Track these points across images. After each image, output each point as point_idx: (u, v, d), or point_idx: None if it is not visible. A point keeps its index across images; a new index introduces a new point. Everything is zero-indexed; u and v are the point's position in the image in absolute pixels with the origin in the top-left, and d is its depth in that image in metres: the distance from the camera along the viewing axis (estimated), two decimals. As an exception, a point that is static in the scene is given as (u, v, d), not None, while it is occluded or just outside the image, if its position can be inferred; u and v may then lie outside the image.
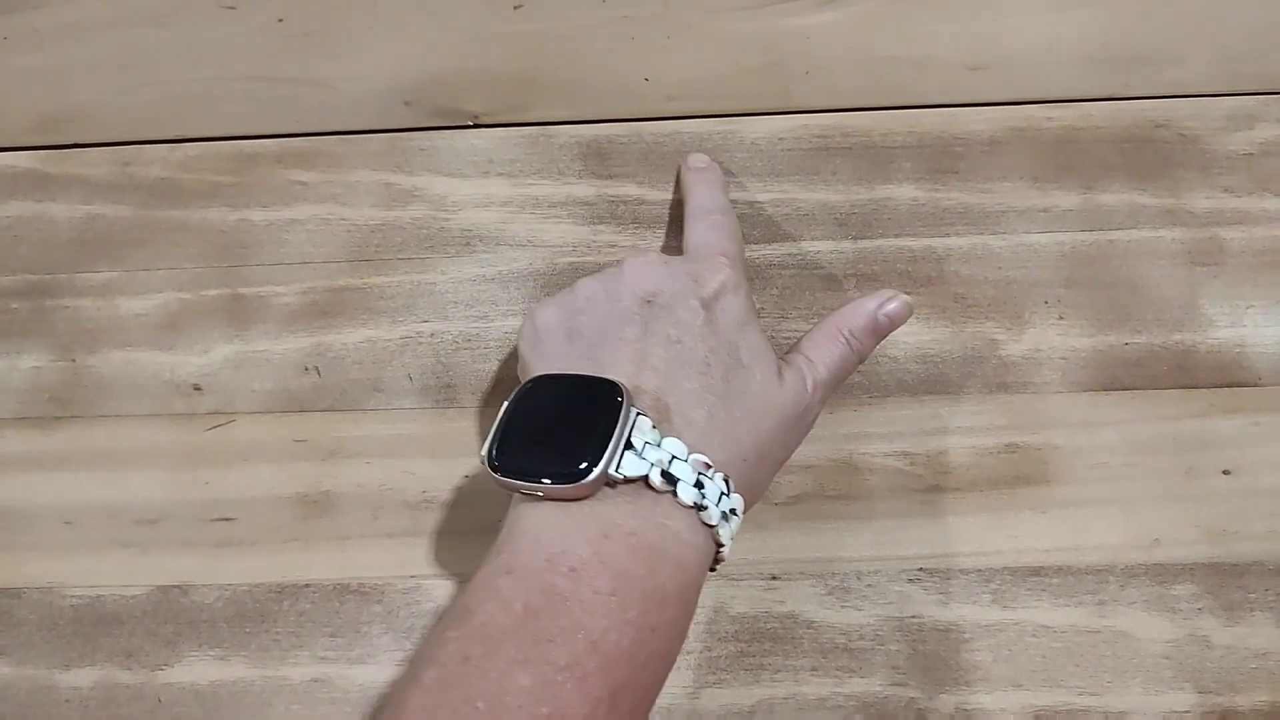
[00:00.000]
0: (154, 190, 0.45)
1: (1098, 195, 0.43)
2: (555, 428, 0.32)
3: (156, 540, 0.42)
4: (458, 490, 0.41)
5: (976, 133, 0.44)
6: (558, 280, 0.43)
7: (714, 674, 0.39)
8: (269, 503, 0.42)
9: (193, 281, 0.44)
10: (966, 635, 0.39)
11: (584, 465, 0.30)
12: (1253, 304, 0.41)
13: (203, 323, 0.44)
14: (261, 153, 0.45)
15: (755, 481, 0.34)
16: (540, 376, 0.34)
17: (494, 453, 0.32)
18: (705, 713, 0.39)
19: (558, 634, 0.28)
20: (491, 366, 0.42)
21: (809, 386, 0.35)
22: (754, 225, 0.43)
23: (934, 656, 0.39)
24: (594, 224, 0.44)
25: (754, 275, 0.43)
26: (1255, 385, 0.41)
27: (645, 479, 0.31)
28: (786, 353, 0.37)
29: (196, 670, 0.40)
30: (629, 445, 0.31)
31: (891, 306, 0.37)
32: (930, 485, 0.40)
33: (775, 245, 0.43)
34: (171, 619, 0.41)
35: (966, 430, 0.41)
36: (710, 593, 0.40)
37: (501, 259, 0.43)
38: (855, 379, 0.41)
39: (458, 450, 0.42)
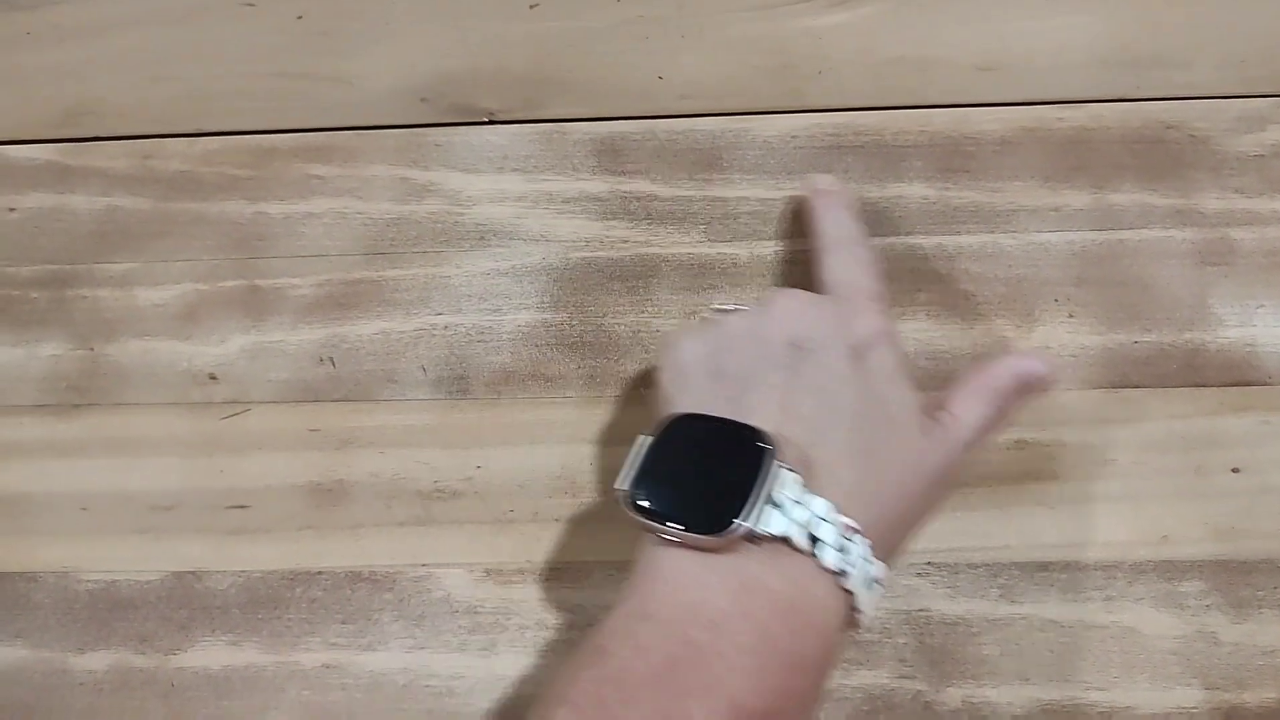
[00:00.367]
0: (173, 183, 0.46)
1: (1108, 195, 0.43)
2: (698, 472, 0.31)
3: (171, 526, 0.42)
4: (469, 480, 0.42)
5: (988, 132, 0.44)
6: (571, 275, 0.43)
7: (722, 665, 0.39)
8: (283, 491, 0.42)
9: (210, 273, 0.45)
10: (974, 629, 0.39)
11: (728, 518, 0.29)
12: (1263, 304, 0.41)
13: (219, 313, 0.44)
14: (279, 147, 0.46)
15: (895, 547, 0.33)
16: (684, 415, 0.33)
17: (632, 489, 0.31)
18: (713, 704, 0.39)
19: (698, 690, 0.27)
20: (504, 359, 0.43)
21: (956, 447, 0.34)
22: (766, 222, 0.44)
23: (941, 650, 0.39)
24: (607, 219, 0.44)
25: (764, 272, 0.43)
26: (1265, 384, 0.41)
27: (787, 538, 0.29)
28: (931, 406, 0.35)
29: (209, 655, 0.41)
30: (773, 501, 0.30)
31: (1038, 367, 0.36)
32: (939, 480, 0.40)
33: (787, 242, 0.43)
34: (185, 604, 0.41)
35: (975, 426, 0.41)
36: (719, 584, 0.40)
37: (515, 253, 0.44)
38: (865, 374, 0.42)
39: (470, 441, 0.42)
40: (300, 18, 0.47)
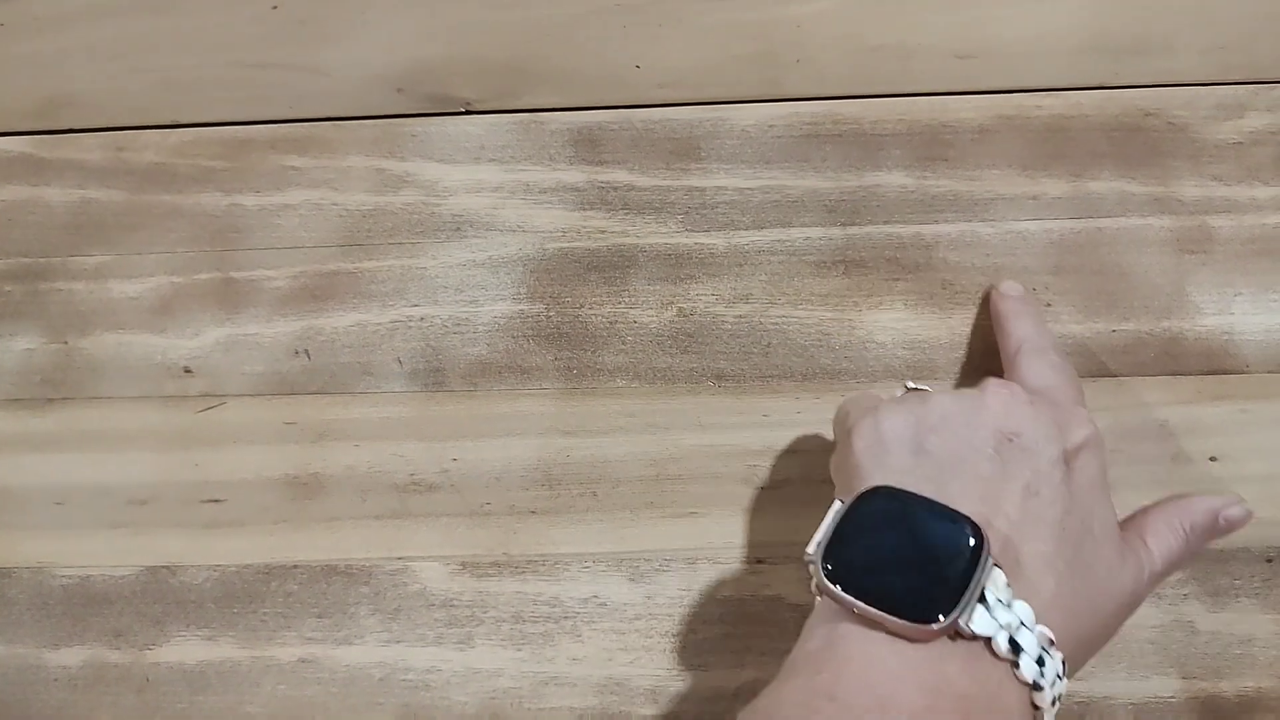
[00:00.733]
0: (147, 175, 0.45)
1: (1087, 183, 0.43)
2: (901, 553, 0.29)
3: (146, 521, 0.42)
4: (445, 473, 0.41)
5: (966, 120, 0.44)
6: (547, 266, 0.43)
7: (699, 656, 0.39)
8: (258, 484, 0.42)
9: (185, 265, 0.44)
10: (951, 620, 0.39)
11: (937, 610, 0.28)
12: (1241, 292, 0.41)
13: (194, 306, 0.44)
14: (255, 138, 0.46)
15: (1078, 667, 0.31)
16: (886, 488, 0.31)
17: (827, 560, 0.30)
18: (690, 695, 0.39)
19: None
20: (480, 350, 0.43)
21: (1145, 576, 0.33)
22: (744, 212, 0.43)
23: (919, 641, 0.39)
24: (584, 210, 0.44)
25: (741, 262, 0.43)
26: (1243, 372, 0.41)
27: (989, 641, 0.28)
28: (1123, 530, 0.33)
29: (184, 650, 0.40)
30: (982, 598, 0.28)
31: (1234, 512, 0.34)
32: (916, 470, 0.40)
33: (764, 231, 0.43)
34: (160, 599, 0.41)
35: (953, 416, 0.41)
36: (695, 576, 0.40)
37: (491, 244, 0.44)
38: (842, 365, 0.41)
39: (446, 434, 0.42)
40: (275, 8, 0.47)
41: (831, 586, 0.29)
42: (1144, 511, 0.35)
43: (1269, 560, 0.39)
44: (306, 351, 0.43)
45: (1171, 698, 0.38)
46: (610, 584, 0.40)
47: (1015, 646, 0.28)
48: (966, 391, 0.34)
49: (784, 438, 0.41)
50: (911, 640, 0.28)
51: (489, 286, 0.43)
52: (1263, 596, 0.39)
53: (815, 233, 0.43)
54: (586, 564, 0.40)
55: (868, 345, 0.42)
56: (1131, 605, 0.33)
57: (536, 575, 0.40)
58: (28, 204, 0.46)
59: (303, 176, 0.45)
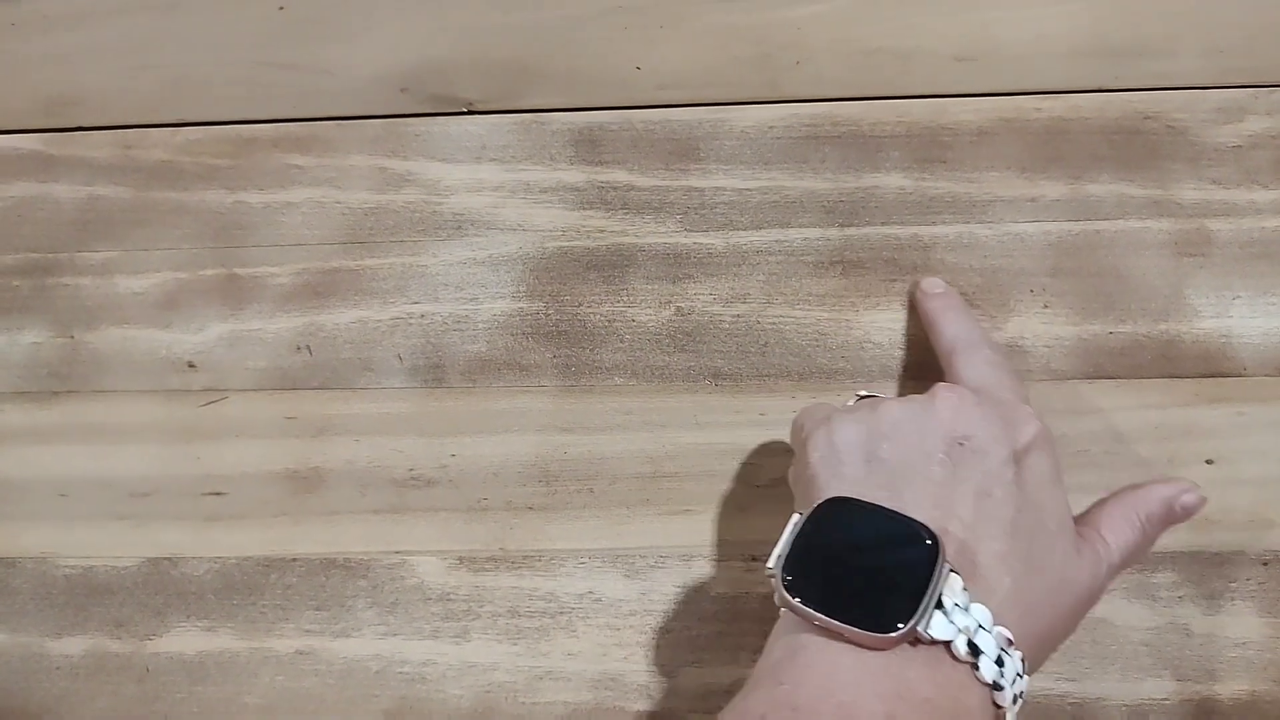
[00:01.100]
0: (154, 172, 0.46)
1: (1085, 185, 0.43)
2: (859, 563, 0.30)
3: (149, 513, 0.42)
4: (443, 469, 0.42)
5: (965, 123, 0.44)
6: (547, 264, 0.44)
7: (693, 653, 0.39)
8: (259, 478, 0.42)
9: (190, 261, 0.45)
10: (945, 619, 0.39)
11: (893, 618, 0.28)
12: (1239, 295, 0.41)
13: (198, 302, 0.44)
14: (260, 137, 0.46)
15: (1038, 664, 0.32)
16: (842, 499, 0.31)
17: (786, 569, 0.30)
18: (684, 691, 0.39)
19: None
20: (480, 348, 0.43)
21: (1104, 569, 0.33)
22: (742, 212, 0.44)
23: (912, 640, 0.39)
24: (583, 209, 0.44)
25: (739, 262, 0.43)
26: (1240, 375, 0.41)
27: (948, 645, 0.28)
28: (1079, 524, 0.34)
29: (184, 640, 0.41)
30: (939, 604, 0.28)
31: (1188, 499, 0.34)
32: (912, 470, 0.40)
33: (762, 232, 0.43)
34: (161, 590, 0.41)
35: (949, 416, 0.41)
36: (690, 573, 0.40)
37: (492, 242, 0.44)
38: (839, 365, 0.42)
39: (445, 429, 0.42)
40: (282, 8, 0.48)
41: (791, 599, 0.29)
42: (1099, 504, 0.35)
43: (1265, 564, 0.39)
44: (308, 347, 0.44)
45: (1165, 700, 0.38)
46: (606, 580, 0.40)
47: (974, 649, 0.28)
48: (916, 398, 0.34)
49: (780, 437, 0.41)
50: (872, 649, 0.28)
51: (489, 284, 0.44)
52: (1258, 599, 0.38)
53: (813, 233, 0.43)
54: (582, 560, 0.40)
55: (865, 345, 0.42)
56: (1090, 599, 0.33)
57: (532, 570, 0.40)
58: (37, 200, 0.46)
59: (306, 175, 0.45)
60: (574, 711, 0.39)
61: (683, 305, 0.43)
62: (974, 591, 0.29)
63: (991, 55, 0.44)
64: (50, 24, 0.48)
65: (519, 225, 0.44)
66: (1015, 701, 0.29)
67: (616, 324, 0.43)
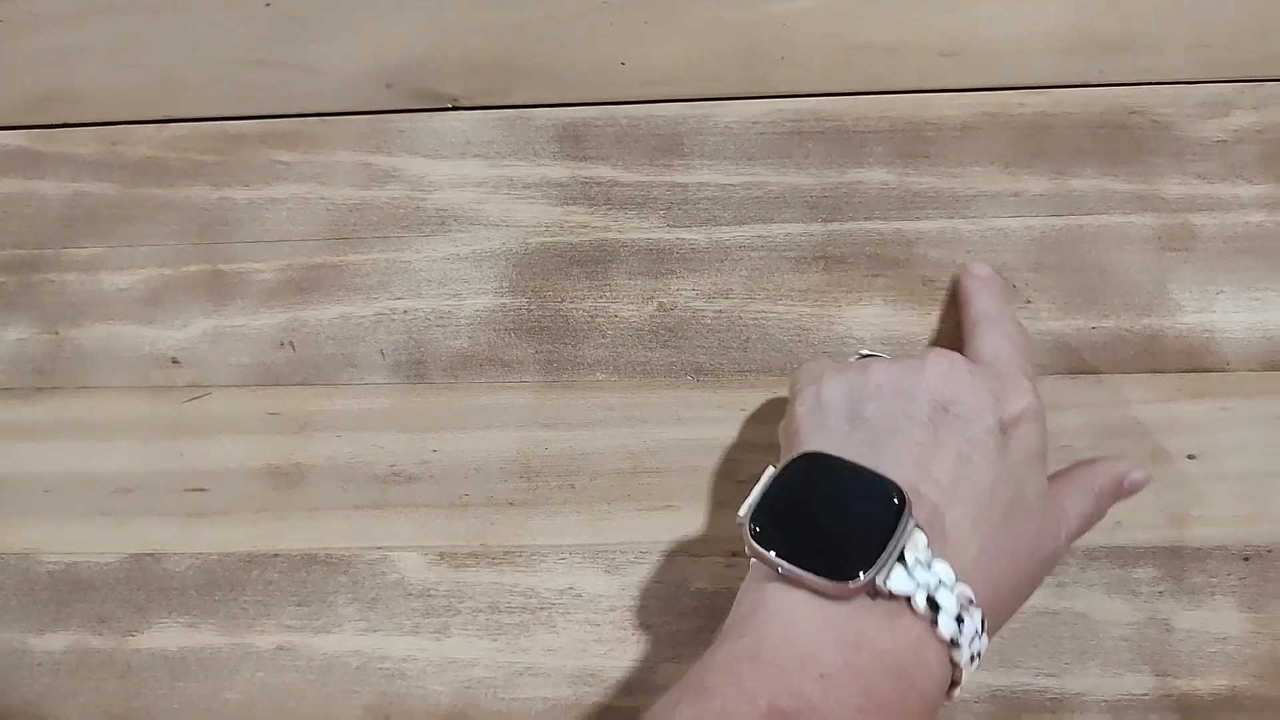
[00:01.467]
0: (140, 169, 0.46)
1: (1069, 180, 0.43)
2: (827, 516, 0.30)
3: (132, 509, 0.42)
4: (425, 464, 0.42)
5: (949, 118, 0.44)
6: (530, 260, 0.44)
7: (673, 649, 0.39)
8: (242, 474, 0.42)
9: (174, 257, 0.45)
10: (926, 615, 0.39)
11: (855, 568, 0.29)
12: (1223, 289, 0.41)
13: (183, 298, 0.44)
14: (246, 133, 0.46)
15: (998, 626, 0.33)
16: (818, 454, 0.32)
17: (753, 520, 0.31)
18: (664, 687, 0.39)
19: None
20: (462, 344, 0.43)
21: (1063, 537, 0.34)
22: (725, 208, 0.44)
23: (892, 635, 0.39)
24: (567, 205, 0.44)
25: (723, 257, 0.43)
26: (1223, 370, 0.40)
27: (908, 599, 0.29)
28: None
29: (166, 636, 0.41)
30: (901, 559, 0.29)
31: (1136, 475, 0.36)
32: (893, 466, 0.40)
33: (745, 227, 0.43)
34: (144, 586, 0.42)
35: (931, 412, 0.41)
36: (671, 568, 0.40)
37: (475, 238, 0.44)
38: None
39: (427, 425, 0.42)
40: (268, 4, 0.48)
41: (757, 546, 0.30)
42: (1055, 475, 0.36)
43: (1246, 559, 0.39)
44: (291, 343, 0.44)
45: (1145, 695, 0.38)
46: (586, 575, 0.40)
47: (934, 605, 0.29)
48: (908, 360, 0.35)
49: (761, 432, 0.41)
50: (833, 599, 0.29)
51: (472, 280, 0.44)
52: (1239, 595, 0.38)
53: (796, 229, 0.43)
54: (563, 555, 0.40)
55: (846, 341, 0.42)
56: (1050, 565, 0.34)
57: (513, 566, 0.40)
58: (23, 197, 0.46)
59: (291, 171, 0.45)
60: (554, 707, 0.39)
61: (665, 301, 0.43)
62: (941, 550, 0.30)
63: (976, 50, 0.44)
64: (38, 21, 0.48)
65: (502, 221, 0.44)
66: (972, 661, 0.30)
67: (599, 319, 0.43)
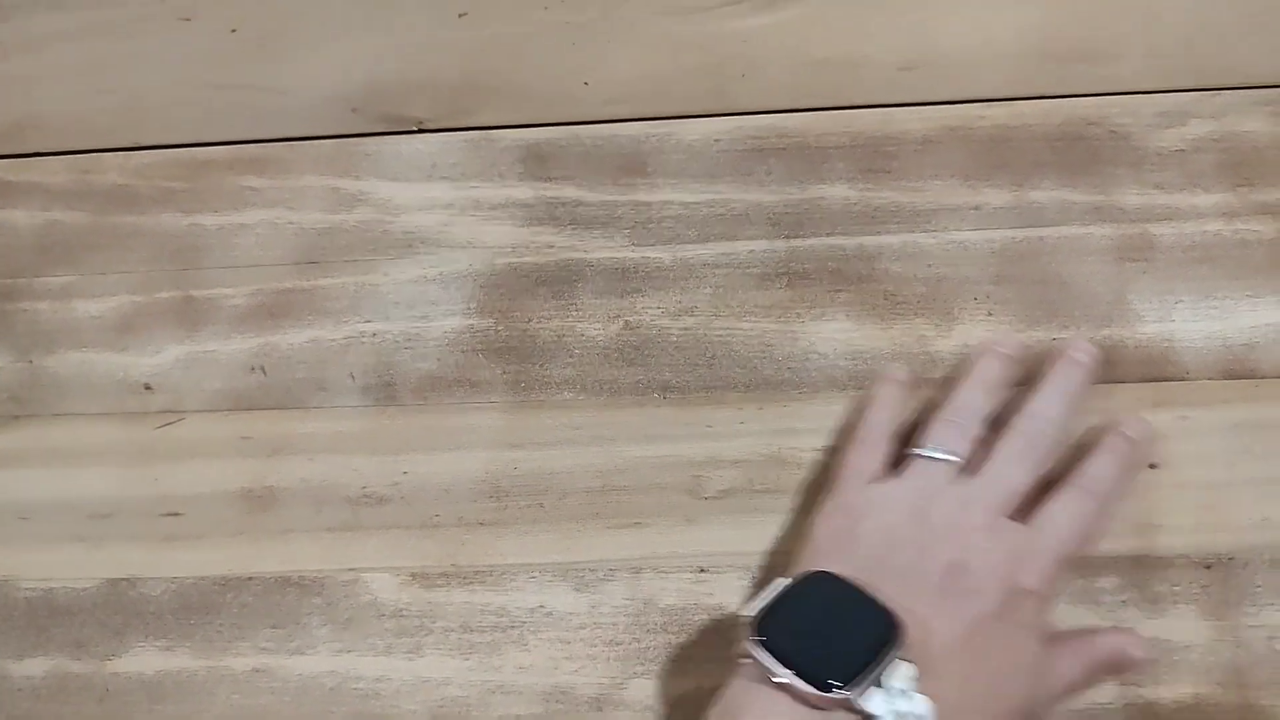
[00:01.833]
0: (110, 196, 0.47)
1: (1029, 192, 0.43)
2: (825, 631, 0.32)
3: (108, 534, 0.43)
4: (396, 486, 0.42)
5: (910, 132, 0.44)
6: (497, 281, 0.44)
7: (643, 665, 0.40)
8: (215, 498, 0.43)
9: (146, 284, 0.45)
10: (891, 627, 0.39)
11: (835, 679, 0.31)
12: (1181, 299, 0.42)
13: (155, 324, 0.45)
14: (214, 159, 0.47)
15: None
16: (831, 575, 0.34)
17: (760, 623, 0.33)
18: (633, 703, 0.39)
19: None
20: (431, 365, 0.43)
21: (1045, 699, 0.35)
22: (689, 226, 0.44)
23: (858, 648, 0.39)
24: (532, 225, 0.45)
25: (687, 275, 0.43)
26: (1183, 379, 0.41)
27: None
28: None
29: (143, 660, 0.41)
30: (881, 682, 0.31)
31: (1135, 654, 0.37)
32: (857, 479, 0.41)
33: (709, 245, 0.44)
34: (120, 610, 0.42)
35: (894, 425, 0.41)
36: (640, 585, 0.40)
37: (442, 260, 0.44)
38: (785, 375, 0.42)
39: (397, 447, 0.43)
40: (234, 30, 0.48)
41: (757, 650, 0.32)
42: (1060, 636, 0.36)
43: (1208, 567, 0.39)
44: (263, 368, 0.44)
45: (1109, 704, 0.38)
46: (556, 594, 0.41)
47: None
48: (939, 491, 0.36)
49: (728, 448, 0.42)
50: (810, 706, 0.31)
51: (440, 302, 0.44)
52: (1201, 603, 0.39)
53: (759, 245, 0.43)
54: (533, 574, 0.41)
55: (810, 356, 0.42)
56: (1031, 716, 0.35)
57: (484, 585, 0.41)
58: (-4, 226, 0.47)
59: (260, 196, 0.46)
60: (525, 725, 0.39)
61: (631, 319, 0.43)
62: (924, 687, 0.31)
63: (936, 64, 0.45)
64: (8, 50, 0.49)
65: (469, 243, 0.45)
66: None
67: (566, 339, 0.43)
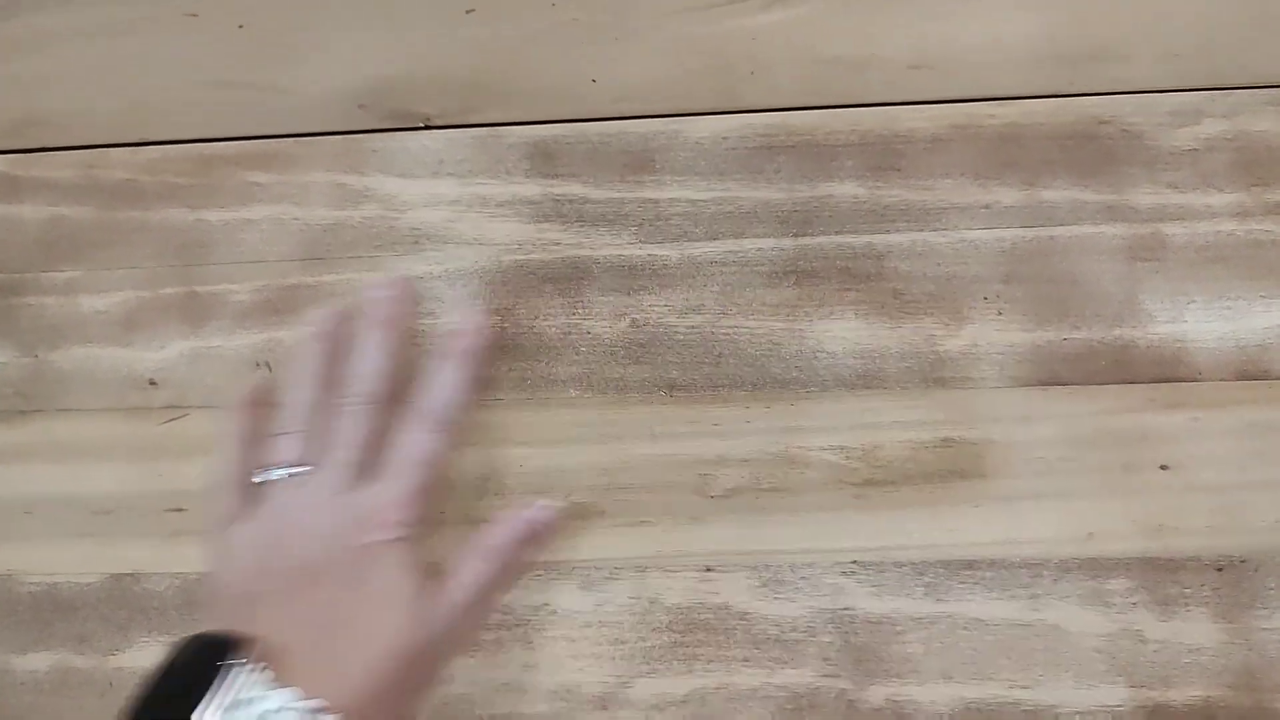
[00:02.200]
0: (116, 192, 0.46)
1: (1040, 191, 0.43)
2: (178, 687, 0.33)
3: (112, 530, 0.43)
4: (401, 483, 0.42)
5: (919, 130, 0.44)
6: (503, 278, 0.44)
7: (647, 664, 0.39)
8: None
9: (151, 280, 0.45)
10: (899, 627, 0.39)
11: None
12: (1194, 299, 0.41)
13: (160, 320, 0.45)
14: (220, 155, 0.46)
15: (392, 713, 0.35)
16: (191, 639, 0.34)
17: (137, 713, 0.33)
18: (638, 702, 0.39)
19: None
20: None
21: (449, 613, 0.36)
22: (697, 223, 0.44)
23: (866, 648, 0.39)
24: (539, 222, 0.44)
25: (694, 273, 0.43)
26: (1195, 380, 0.40)
27: None
28: (436, 578, 0.37)
29: (147, 655, 0.41)
30: (236, 703, 0.32)
31: (537, 514, 0.39)
32: (865, 479, 0.41)
33: (717, 243, 0.43)
34: (124, 606, 0.42)
35: (902, 425, 0.41)
36: (645, 584, 0.40)
37: (448, 257, 0.44)
38: (792, 374, 0.42)
39: (402, 444, 0.42)
40: (241, 27, 0.48)
41: None
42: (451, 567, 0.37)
43: (1219, 569, 0.39)
44: (267, 364, 0.44)
45: (1119, 706, 0.38)
46: (562, 592, 0.40)
47: None
48: (294, 506, 0.37)
49: (735, 447, 0.41)
50: None
51: (446, 299, 0.44)
52: (1212, 605, 0.38)
53: (767, 243, 0.43)
54: (538, 572, 0.41)
55: (818, 355, 0.42)
56: (434, 646, 0.35)
57: (489, 584, 0.41)
58: (2, 222, 0.47)
59: (266, 192, 0.46)
60: (529, 724, 0.39)
61: (638, 317, 0.43)
62: (284, 678, 0.32)
63: (946, 62, 0.44)
64: (13, 47, 0.49)
65: (475, 239, 0.44)
66: None
67: (572, 336, 0.43)
